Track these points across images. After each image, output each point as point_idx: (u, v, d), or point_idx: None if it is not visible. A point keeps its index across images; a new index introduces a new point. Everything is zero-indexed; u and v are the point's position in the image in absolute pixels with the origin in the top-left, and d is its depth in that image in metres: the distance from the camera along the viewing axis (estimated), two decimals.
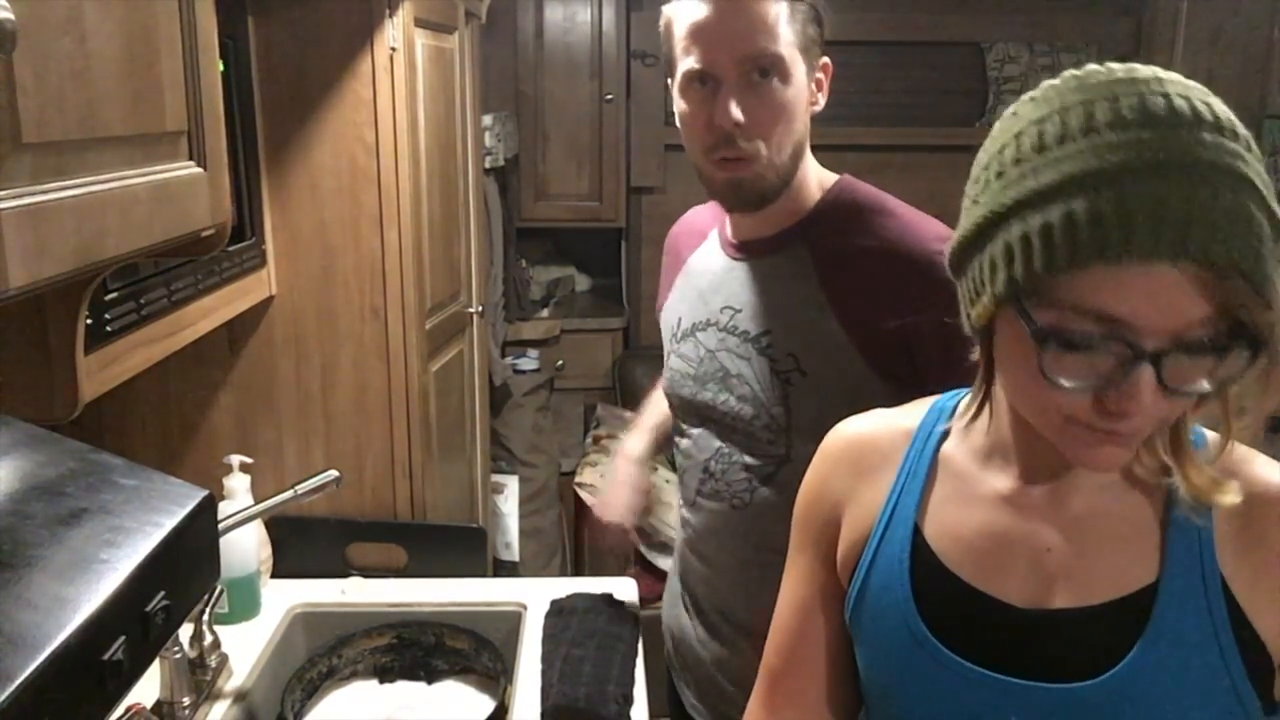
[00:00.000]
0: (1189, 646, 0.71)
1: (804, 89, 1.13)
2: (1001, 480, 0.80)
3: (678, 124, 1.18)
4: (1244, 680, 0.71)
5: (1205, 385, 0.65)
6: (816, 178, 1.21)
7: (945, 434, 0.85)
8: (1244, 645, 0.71)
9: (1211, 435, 0.74)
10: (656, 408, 1.47)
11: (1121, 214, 0.61)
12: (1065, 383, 0.65)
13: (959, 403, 0.86)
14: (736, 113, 1.08)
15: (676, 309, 1.33)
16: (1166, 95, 0.64)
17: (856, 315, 1.13)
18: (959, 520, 0.81)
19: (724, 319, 1.23)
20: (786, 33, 1.09)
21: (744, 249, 1.23)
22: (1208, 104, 0.64)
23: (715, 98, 1.10)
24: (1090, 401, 0.66)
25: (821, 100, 1.18)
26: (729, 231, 1.26)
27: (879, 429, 0.90)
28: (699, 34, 1.10)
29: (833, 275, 1.15)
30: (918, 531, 0.82)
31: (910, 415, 0.89)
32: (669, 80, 1.19)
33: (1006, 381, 0.74)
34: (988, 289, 0.68)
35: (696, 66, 1.10)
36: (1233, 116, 0.65)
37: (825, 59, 1.17)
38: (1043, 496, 0.78)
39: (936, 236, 1.11)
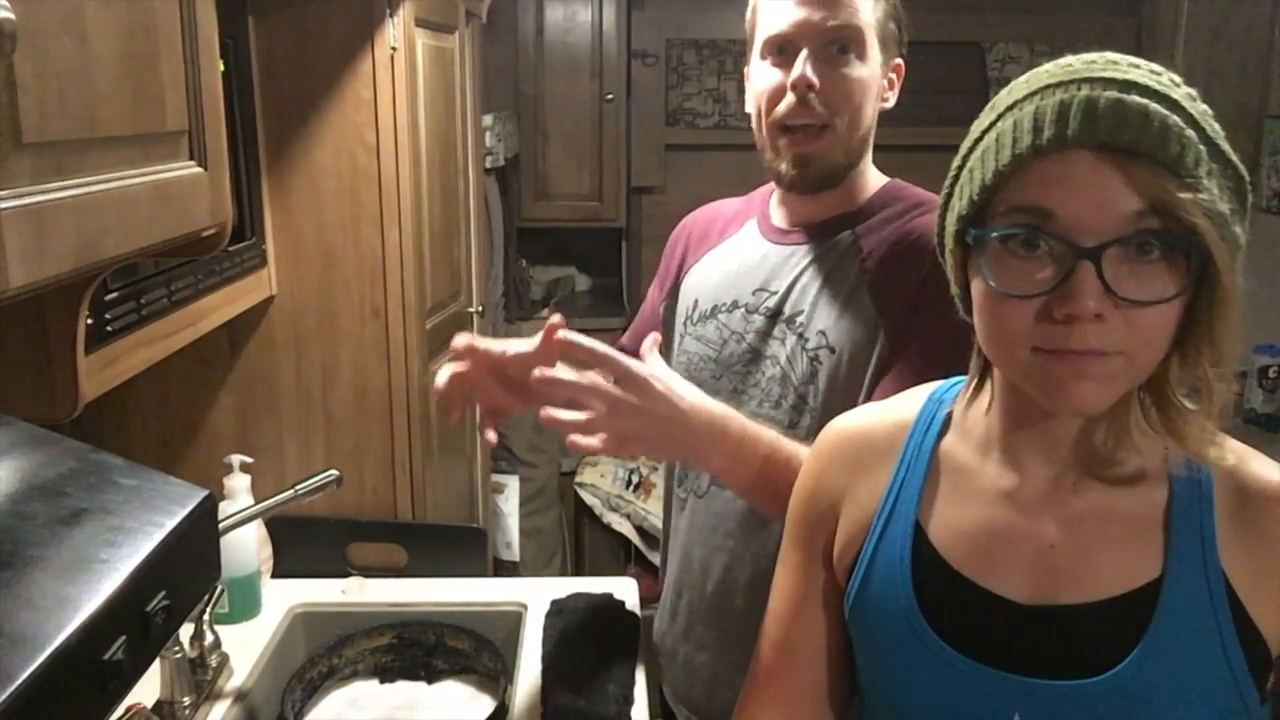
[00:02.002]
0: (1193, 642, 0.71)
1: (877, 76, 1.18)
2: (1003, 476, 0.80)
3: (749, 107, 1.22)
4: (1245, 675, 0.71)
5: (1152, 294, 0.66)
6: (873, 175, 1.25)
7: (944, 426, 0.84)
8: (1245, 640, 0.71)
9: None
10: None
11: (1036, 113, 0.67)
12: (1012, 291, 0.68)
13: (958, 393, 0.86)
14: (812, 75, 1.13)
15: (694, 291, 1.32)
16: (1135, 62, 0.69)
17: (886, 295, 1.15)
18: (960, 516, 0.81)
19: (755, 301, 1.23)
20: (868, 15, 1.15)
21: (791, 233, 1.25)
22: (1171, 75, 0.68)
23: (792, 66, 1.14)
24: (1046, 321, 0.67)
25: (891, 99, 1.22)
26: (774, 218, 1.28)
27: (873, 423, 0.89)
28: (786, 5, 1.15)
29: (873, 258, 1.17)
30: (918, 527, 0.82)
31: (905, 407, 0.88)
32: (745, 69, 1.23)
33: (981, 337, 0.75)
34: (950, 237, 0.74)
35: (779, 32, 1.15)
36: (1194, 93, 0.68)
37: (899, 60, 1.21)
38: (1045, 492, 0.78)
39: None
